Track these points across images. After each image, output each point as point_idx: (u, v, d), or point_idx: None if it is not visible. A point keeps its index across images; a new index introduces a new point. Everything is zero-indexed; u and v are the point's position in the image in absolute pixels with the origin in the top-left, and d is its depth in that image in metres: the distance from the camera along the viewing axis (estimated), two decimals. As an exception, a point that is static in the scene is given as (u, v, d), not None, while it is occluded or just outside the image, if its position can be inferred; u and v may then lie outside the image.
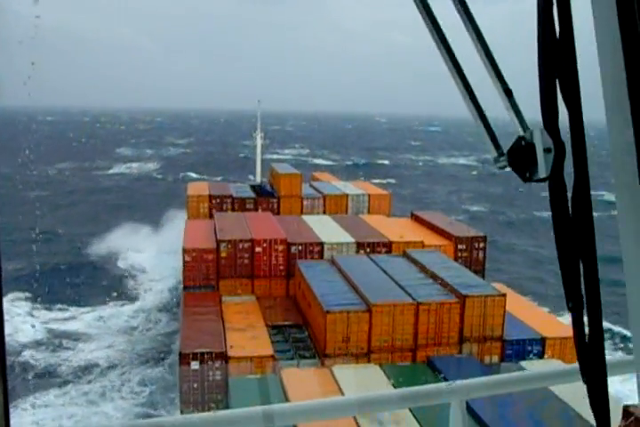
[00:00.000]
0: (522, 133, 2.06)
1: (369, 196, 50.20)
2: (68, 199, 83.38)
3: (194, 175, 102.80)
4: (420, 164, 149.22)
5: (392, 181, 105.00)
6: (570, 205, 2.01)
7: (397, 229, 40.71)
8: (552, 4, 1.91)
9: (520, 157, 2.04)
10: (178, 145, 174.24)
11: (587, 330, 2.07)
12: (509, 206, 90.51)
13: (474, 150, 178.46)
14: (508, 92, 2.11)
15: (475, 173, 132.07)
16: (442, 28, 2.11)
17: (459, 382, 3.74)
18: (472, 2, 2.13)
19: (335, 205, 49.05)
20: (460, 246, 38.11)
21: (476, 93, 2.14)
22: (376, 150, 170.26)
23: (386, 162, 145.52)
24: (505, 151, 2.08)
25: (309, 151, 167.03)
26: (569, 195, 2.02)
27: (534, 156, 2.00)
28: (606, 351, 2.11)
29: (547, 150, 1.98)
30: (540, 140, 1.99)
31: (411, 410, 20.99)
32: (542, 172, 1.99)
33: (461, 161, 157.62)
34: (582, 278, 2.03)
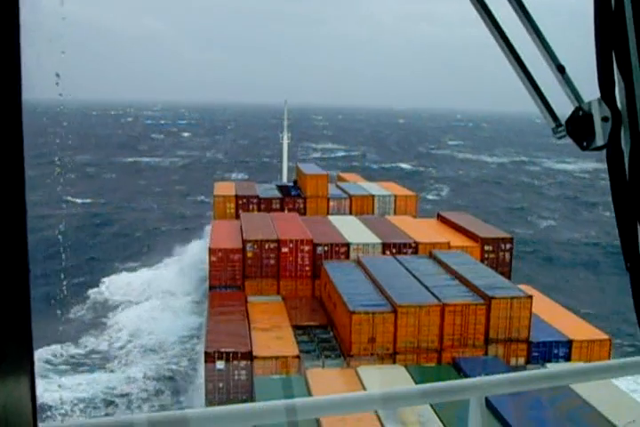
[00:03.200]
0: (577, 105, 2.17)
1: (395, 196, 50.01)
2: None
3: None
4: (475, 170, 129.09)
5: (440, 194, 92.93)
6: (627, 171, 2.09)
7: (423, 229, 40.60)
8: None
9: (578, 127, 2.15)
10: (204, 145, 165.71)
11: None
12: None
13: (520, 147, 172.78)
14: (560, 69, 2.23)
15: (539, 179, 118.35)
16: (491, 9, 2.22)
17: (480, 379, 3.74)
18: None
19: (361, 206, 48.96)
20: (486, 248, 37.89)
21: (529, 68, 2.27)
22: (420, 154, 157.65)
23: (431, 170, 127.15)
24: (563, 122, 2.20)
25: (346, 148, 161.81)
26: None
27: (592, 125, 2.10)
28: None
29: (604, 119, 2.08)
30: (598, 110, 2.08)
31: (433, 408, 20.98)
32: (600, 140, 2.09)
33: (521, 159, 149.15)
34: None
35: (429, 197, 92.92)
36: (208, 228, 59.03)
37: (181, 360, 36.79)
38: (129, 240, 63.70)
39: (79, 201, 78.25)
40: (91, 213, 72.82)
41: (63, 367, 36.27)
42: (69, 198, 76.10)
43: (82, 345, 39.47)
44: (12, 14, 1.41)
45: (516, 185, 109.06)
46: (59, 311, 41.07)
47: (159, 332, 40.18)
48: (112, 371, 36.17)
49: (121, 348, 39.02)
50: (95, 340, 40.33)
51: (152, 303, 44.81)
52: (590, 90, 2.12)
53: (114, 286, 48.97)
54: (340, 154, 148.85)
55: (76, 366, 36.75)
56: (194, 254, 50.63)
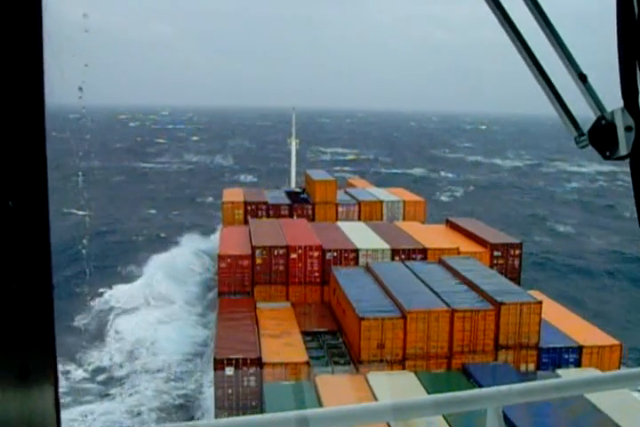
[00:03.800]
0: (600, 115, 2.16)
1: (404, 202, 50.04)
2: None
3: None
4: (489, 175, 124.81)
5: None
6: None
7: (432, 235, 40.52)
8: None
9: (600, 137, 2.14)
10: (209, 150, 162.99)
11: None
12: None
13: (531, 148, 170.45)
14: (582, 78, 2.23)
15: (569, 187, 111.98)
16: (511, 16, 2.21)
17: (495, 389, 3.70)
18: None
19: (370, 212, 48.96)
20: (495, 253, 37.81)
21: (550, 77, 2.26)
22: (435, 159, 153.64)
23: (449, 175, 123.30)
24: (585, 131, 2.19)
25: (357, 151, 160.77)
26: None
27: (615, 135, 2.10)
28: None
29: (627, 129, 2.07)
30: (621, 120, 2.08)
31: (445, 417, 20.85)
32: (623, 149, 2.09)
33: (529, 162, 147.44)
34: None
35: (443, 198, 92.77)
36: (180, 239, 58.78)
37: (189, 383, 34.84)
38: (132, 247, 63.16)
39: (80, 212, 77.59)
40: (95, 222, 72.36)
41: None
42: (73, 211, 75.60)
43: (84, 363, 37.36)
44: (35, 24, 1.41)
45: (531, 189, 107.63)
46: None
47: (163, 347, 38.13)
48: (113, 398, 33.64)
49: (121, 366, 36.83)
50: (98, 354, 38.35)
51: (153, 314, 42.62)
52: (613, 99, 2.10)
53: (113, 295, 47.36)
54: (350, 157, 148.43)
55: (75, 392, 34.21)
56: (185, 260, 50.69)
